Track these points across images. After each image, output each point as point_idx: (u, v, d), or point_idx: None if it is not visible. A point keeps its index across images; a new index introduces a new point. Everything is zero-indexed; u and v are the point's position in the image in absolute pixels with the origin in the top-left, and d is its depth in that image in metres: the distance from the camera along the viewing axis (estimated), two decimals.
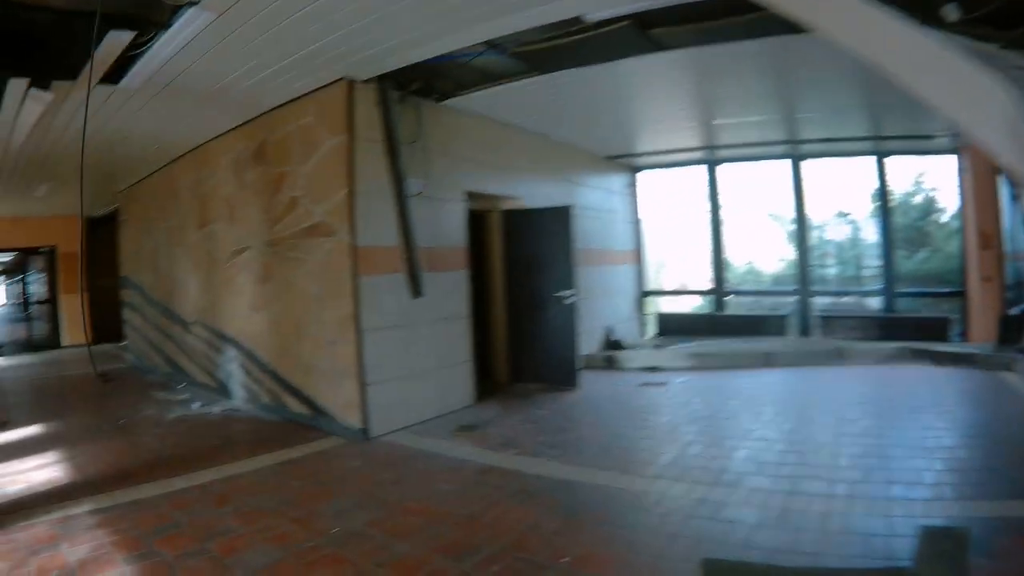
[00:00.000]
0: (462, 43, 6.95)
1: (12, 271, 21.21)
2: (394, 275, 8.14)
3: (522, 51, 7.56)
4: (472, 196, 9.79)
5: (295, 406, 8.74)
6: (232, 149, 9.92)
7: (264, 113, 9.02)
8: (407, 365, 8.38)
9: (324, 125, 8.05)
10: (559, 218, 10.35)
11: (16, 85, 7.08)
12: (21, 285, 21.19)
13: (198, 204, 11.12)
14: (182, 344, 12.15)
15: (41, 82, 7.15)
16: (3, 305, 21.15)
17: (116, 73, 7.15)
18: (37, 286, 20.86)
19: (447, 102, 9.12)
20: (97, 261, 19.65)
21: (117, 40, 6.25)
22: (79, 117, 8.57)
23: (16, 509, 5.90)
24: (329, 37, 6.55)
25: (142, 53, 6.65)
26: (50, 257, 20.25)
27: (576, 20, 6.51)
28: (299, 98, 8.37)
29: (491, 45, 7.35)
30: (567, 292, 10.24)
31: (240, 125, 9.61)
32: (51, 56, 6.66)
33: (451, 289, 9.19)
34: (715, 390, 10.25)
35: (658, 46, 7.33)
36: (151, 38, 6.38)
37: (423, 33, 6.59)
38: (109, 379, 13.34)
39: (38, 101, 7.46)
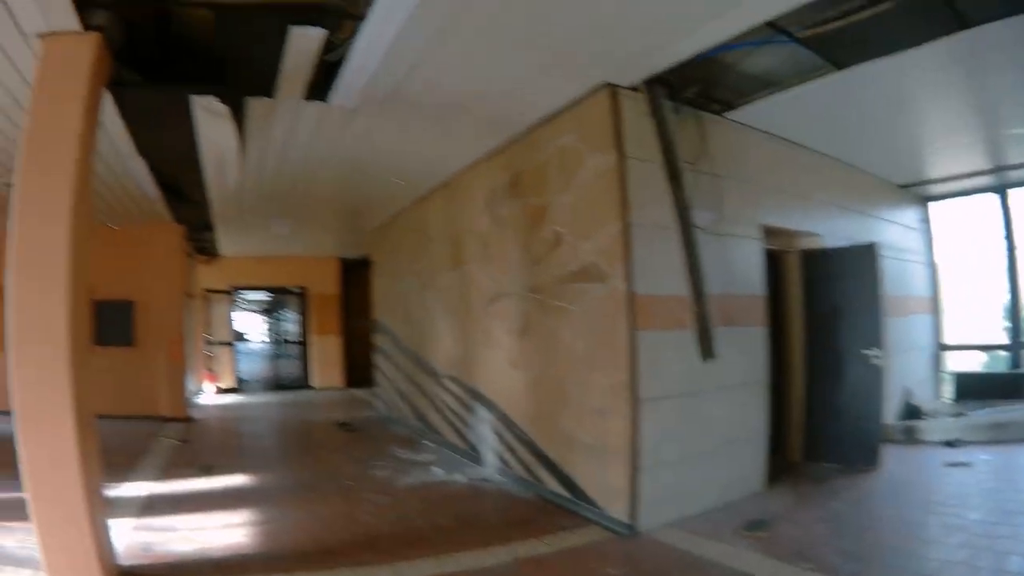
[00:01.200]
0: (741, 25, 5.35)
1: (269, 310, 21.50)
2: (679, 331, 6.57)
3: (812, 35, 5.88)
4: (767, 231, 8.09)
5: (551, 484, 7.42)
6: (485, 180, 8.95)
7: (517, 136, 7.93)
8: (689, 443, 6.75)
9: (587, 143, 6.74)
10: (862, 259, 8.52)
11: (201, 103, 6.57)
12: (275, 323, 21.45)
13: (450, 244, 10.25)
14: (433, 398, 11.29)
15: (232, 100, 6.59)
16: (260, 342, 21.32)
17: (322, 87, 6.37)
18: (289, 326, 21.04)
19: (729, 114, 7.54)
20: (351, 304, 20.24)
21: (304, 40, 5.44)
22: (295, 144, 8.19)
23: (178, 574, 5.41)
24: (578, 26, 5.28)
25: (344, 60, 5.80)
26: (302, 298, 20.76)
27: None
28: (556, 114, 7.16)
29: (775, 28, 5.72)
30: (872, 350, 8.33)
31: (492, 152, 8.61)
32: (235, 67, 6.05)
33: (746, 348, 7.48)
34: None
35: (960, 21, 5.63)
36: (348, 37, 5.51)
37: (694, 13, 5.16)
38: (350, 429, 12.84)
39: (216, 114, 6.80)
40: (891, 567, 5.44)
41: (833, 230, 9.30)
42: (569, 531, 6.35)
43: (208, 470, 9.04)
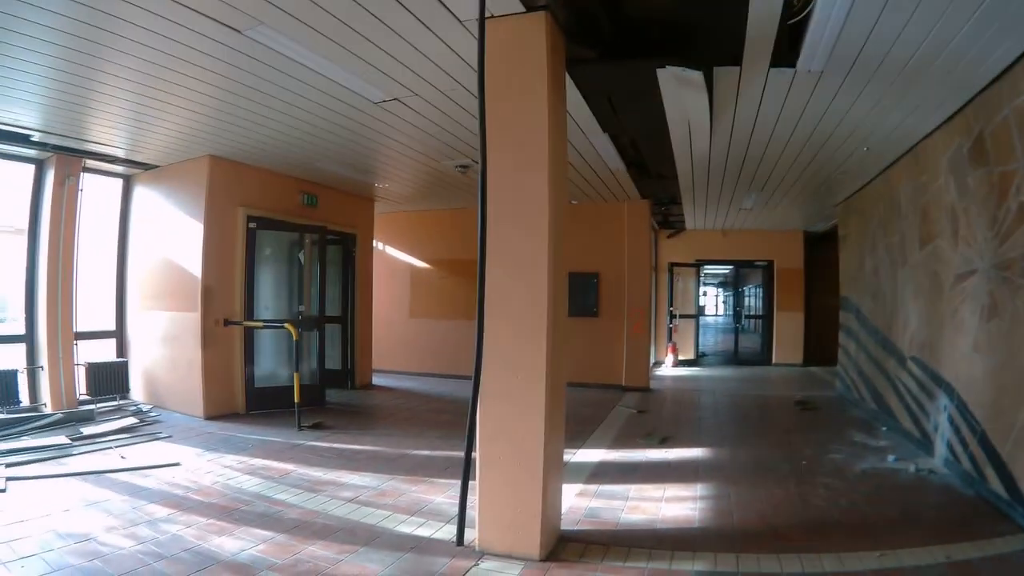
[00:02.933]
0: None
1: (731, 284, 21.75)
2: None
3: None
4: None
5: (994, 483, 6.89)
6: (948, 146, 8.41)
7: (975, 97, 7.37)
8: None
9: None
10: None
11: (670, 74, 6.64)
12: (736, 297, 21.66)
13: (918, 216, 9.76)
14: (894, 381, 10.88)
15: (701, 70, 6.63)
16: (720, 316, 21.71)
17: (790, 52, 6.35)
18: (750, 300, 21.16)
19: None
20: (816, 279, 20.01)
21: (766, 4, 5.40)
22: (763, 113, 8.24)
23: (619, 543, 5.67)
24: None
25: (807, 22, 5.68)
26: (767, 272, 20.75)
27: None
28: (1008, 69, 6.54)
29: None
30: None
31: (953, 115, 8.09)
32: (698, 37, 6.18)
33: None
34: None
35: None
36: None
37: None
38: (808, 407, 12.83)
39: (687, 84, 6.82)
40: None
41: None
42: (1000, 537, 5.92)
43: (663, 441, 9.56)
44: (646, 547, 5.54)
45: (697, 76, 6.59)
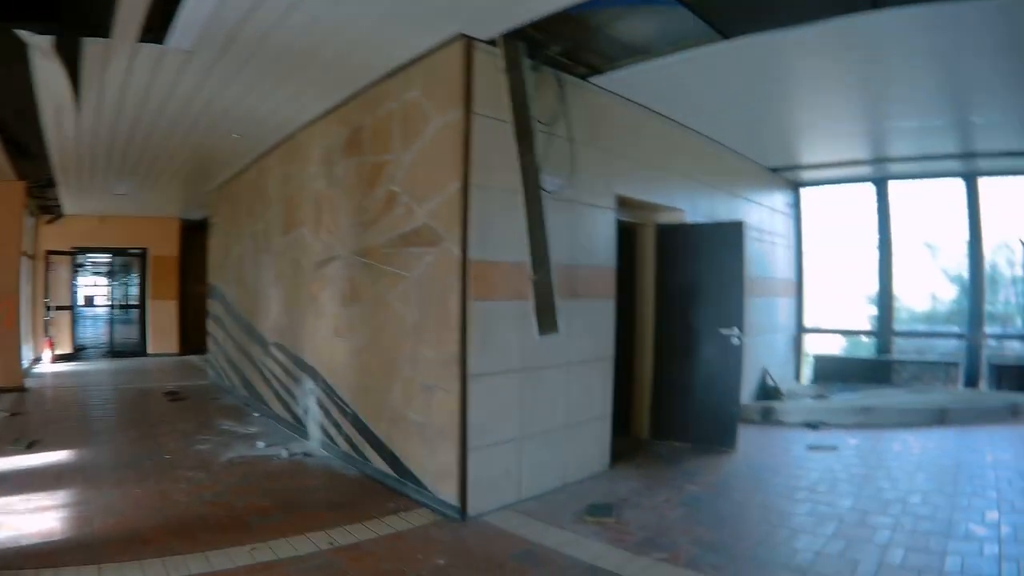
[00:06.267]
0: None
1: (110, 273, 20.76)
2: (517, 302, 6.20)
3: None
4: (623, 203, 7.88)
5: (378, 462, 7.10)
6: (324, 137, 8.50)
7: (363, 90, 7.47)
8: (527, 422, 6.47)
9: (433, 99, 6.30)
10: (728, 237, 8.50)
11: (32, 42, 6.00)
12: (116, 287, 20.90)
13: (284, 205, 9.86)
14: (260, 367, 10.94)
15: (67, 40, 6.03)
16: (100, 306, 20.65)
17: (162, 27, 5.85)
18: (131, 289, 20.43)
19: (594, 79, 7.19)
20: (190, 267, 20.04)
21: None
22: (132, 91, 7.64)
23: None
24: None
25: None
26: (142, 260, 20.29)
27: None
28: (404, 67, 6.71)
29: None
30: (733, 330, 8.31)
31: (336, 108, 8.14)
32: (69, 2, 5.53)
33: (592, 323, 7.28)
34: (893, 457, 8.36)
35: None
36: None
37: None
38: (177, 398, 12.58)
39: (50, 55, 6.25)
40: (759, 559, 5.18)
41: (697, 207, 9.30)
42: (395, 514, 6.05)
43: (30, 445, 8.58)
44: (12, 568, 4.79)
45: (49, 47, 6.03)
